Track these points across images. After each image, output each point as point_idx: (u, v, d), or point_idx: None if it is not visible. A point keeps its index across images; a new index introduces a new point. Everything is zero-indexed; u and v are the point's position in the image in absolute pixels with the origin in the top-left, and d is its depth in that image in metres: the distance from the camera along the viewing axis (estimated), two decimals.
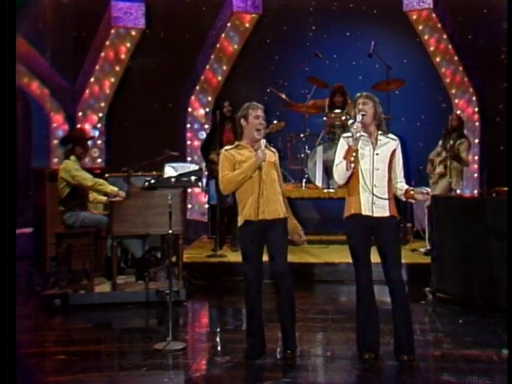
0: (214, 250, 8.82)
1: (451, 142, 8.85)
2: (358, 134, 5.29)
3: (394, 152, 5.45)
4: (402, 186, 5.49)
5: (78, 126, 10.86)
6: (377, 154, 5.39)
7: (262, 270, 5.52)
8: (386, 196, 5.38)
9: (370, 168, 5.36)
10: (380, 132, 5.46)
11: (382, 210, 5.37)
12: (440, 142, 9.09)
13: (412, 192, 5.43)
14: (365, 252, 5.43)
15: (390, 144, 5.45)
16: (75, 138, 7.62)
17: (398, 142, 5.49)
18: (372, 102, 5.41)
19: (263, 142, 5.48)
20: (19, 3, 9.59)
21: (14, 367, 4.05)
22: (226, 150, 5.57)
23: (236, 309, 7.31)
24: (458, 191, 8.91)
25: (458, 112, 10.10)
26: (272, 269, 5.51)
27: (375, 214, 5.35)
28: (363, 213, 5.36)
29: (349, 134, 5.45)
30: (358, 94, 5.52)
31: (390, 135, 5.51)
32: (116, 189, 7.37)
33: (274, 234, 5.46)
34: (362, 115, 5.33)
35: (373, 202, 5.35)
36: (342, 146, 5.44)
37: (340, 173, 5.42)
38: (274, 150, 5.70)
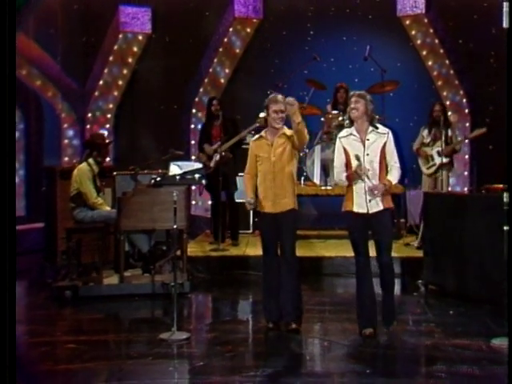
0: (211, 242, 9.06)
1: (443, 131, 8.71)
2: (363, 176, 5.52)
3: (384, 145, 5.58)
4: (389, 176, 5.63)
5: (100, 131, 10.74)
6: (367, 155, 5.53)
7: (279, 259, 5.88)
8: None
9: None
10: (371, 128, 5.59)
11: (376, 205, 5.57)
12: (425, 132, 8.98)
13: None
14: (362, 242, 5.69)
15: (379, 140, 5.58)
16: (93, 143, 7.64)
17: (387, 135, 5.60)
18: (363, 100, 5.59)
19: (284, 128, 5.82)
20: (20, 2, 9.59)
21: (14, 360, 4.07)
22: (252, 141, 5.96)
23: (237, 300, 7.48)
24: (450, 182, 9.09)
25: (451, 114, 10.28)
26: (281, 257, 5.86)
27: (370, 211, 5.56)
28: (356, 210, 5.59)
29: (343, 134, 5.66)
30: (351, 93, 5.74)
31: (380, 129, 5.62)
32: (109, 208, 7.57)
33: (282, 226, 5.78)
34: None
35: (367, 200, 5.57)
36: (339, 148, 5.66)
37: (338, 181, 5.76)
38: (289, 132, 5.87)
